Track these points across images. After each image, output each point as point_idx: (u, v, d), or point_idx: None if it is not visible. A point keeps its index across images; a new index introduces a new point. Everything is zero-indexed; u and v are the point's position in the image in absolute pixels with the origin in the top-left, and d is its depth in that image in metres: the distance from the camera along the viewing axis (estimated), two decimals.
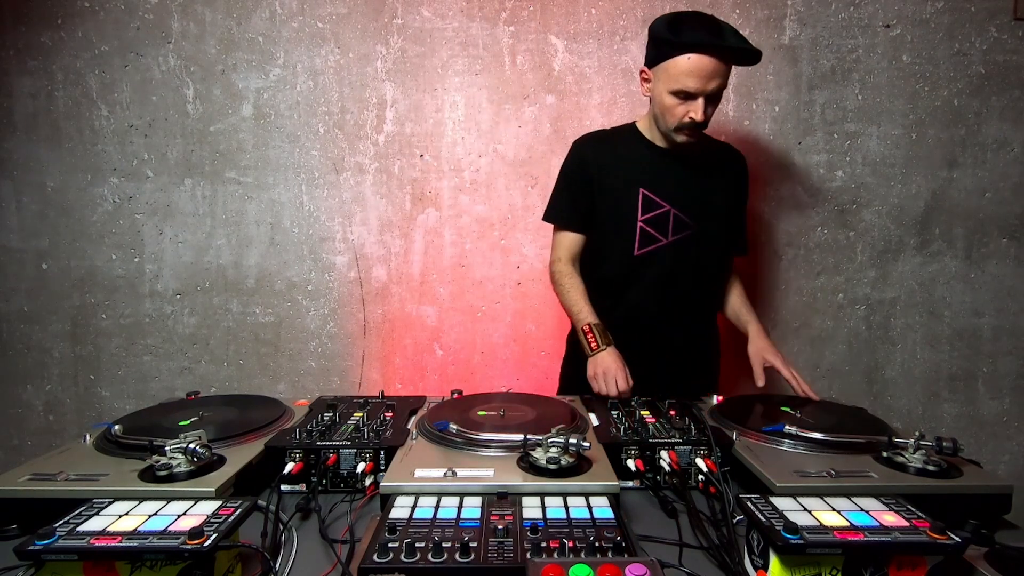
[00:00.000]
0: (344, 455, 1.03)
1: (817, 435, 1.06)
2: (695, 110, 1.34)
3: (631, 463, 1.04)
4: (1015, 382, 2.16)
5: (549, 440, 0.94)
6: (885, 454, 1.00)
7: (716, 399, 1.37)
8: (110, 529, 0.73)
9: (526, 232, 2.08)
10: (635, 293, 1.53)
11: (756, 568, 0.77)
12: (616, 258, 1.53)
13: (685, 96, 1.34)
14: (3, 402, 2.15)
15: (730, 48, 1.31)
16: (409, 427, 1.14)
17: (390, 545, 0.71)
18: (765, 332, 1.56)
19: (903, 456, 0.98)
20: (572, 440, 0.93)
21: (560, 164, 1.61)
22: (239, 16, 2.00)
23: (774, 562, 0.72)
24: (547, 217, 1.61)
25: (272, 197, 2.08)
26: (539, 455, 0.94)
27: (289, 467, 1.00)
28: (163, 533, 0.72)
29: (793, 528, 0.71)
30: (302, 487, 1.03)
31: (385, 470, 1.02)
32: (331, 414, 1.18)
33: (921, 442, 0.97)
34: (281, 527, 0.87)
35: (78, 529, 0.73)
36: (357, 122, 2.05)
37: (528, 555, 0.70)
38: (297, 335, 2.14)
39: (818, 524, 0.74)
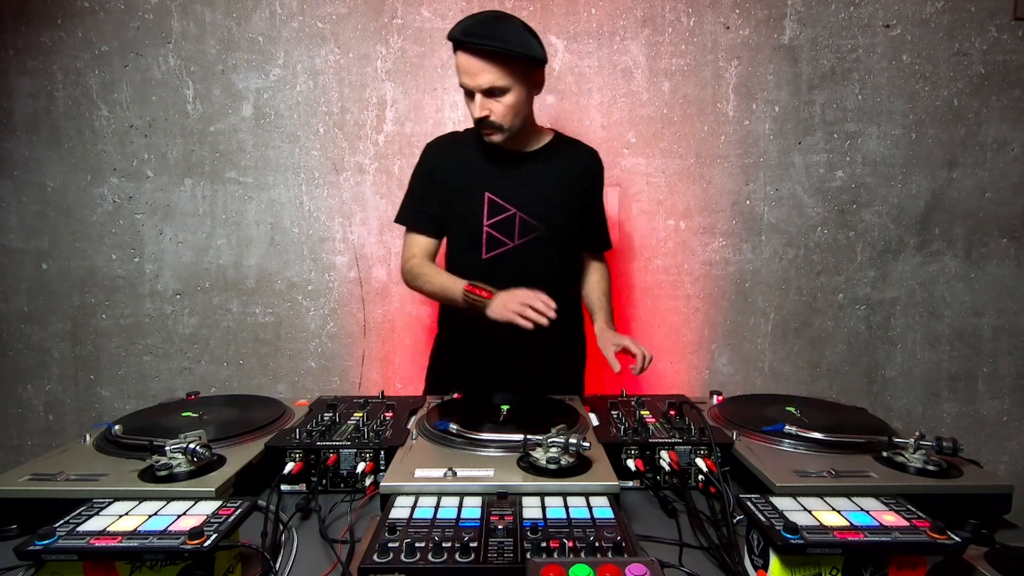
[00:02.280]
0: (344, 455, 1.03)
1: (817, 435, 1.06)
2: (474, 106, 1.35)
3: (631, 463, 1.04)
4: (1015, 382, 2.16)
5: (549, 440, 0.94)
6: (885, 454, 1.00)
7: (716, 399, 1.37)
8: (110, 529, 0.73)
9: None
10: None
11: (756, 568, 0.77)
12: (465, 262, 1.50)
13: (467, 92, 1.36)
14: (3, 402, 2.15)
15: (479, 45, 1.29)
16: (409, 427, 1.14)
17: (390, 545, 0.71)
18: (611, 323, 1.56)
19: (903, 456, 0.97)
20: (572, 440, 0.93)
21: None
22: (239, 16, 2.00)
23: (774, 562, 0.72)
24: (398, 219, 1.56)
25: (272, 197, 2.08)
26: (539, 455, 0.94)
27: (289, 467, 1.00)
28: (163, 533, 0.72)
29: (793, 528, 0.71)
30: (302, 487, 1.03)
31: (385, 470, 1.02)
32: (331, 414, 1.18)
33: (921, 442, 0.97)
34: (281, 527, 0.87)
35: (78, 529, 0.73)
36: (357, 122, 2.05)
37: (528, 555, 0.70)
38: (297, 335, 2.14)
39: (818, 524, 0.74)
